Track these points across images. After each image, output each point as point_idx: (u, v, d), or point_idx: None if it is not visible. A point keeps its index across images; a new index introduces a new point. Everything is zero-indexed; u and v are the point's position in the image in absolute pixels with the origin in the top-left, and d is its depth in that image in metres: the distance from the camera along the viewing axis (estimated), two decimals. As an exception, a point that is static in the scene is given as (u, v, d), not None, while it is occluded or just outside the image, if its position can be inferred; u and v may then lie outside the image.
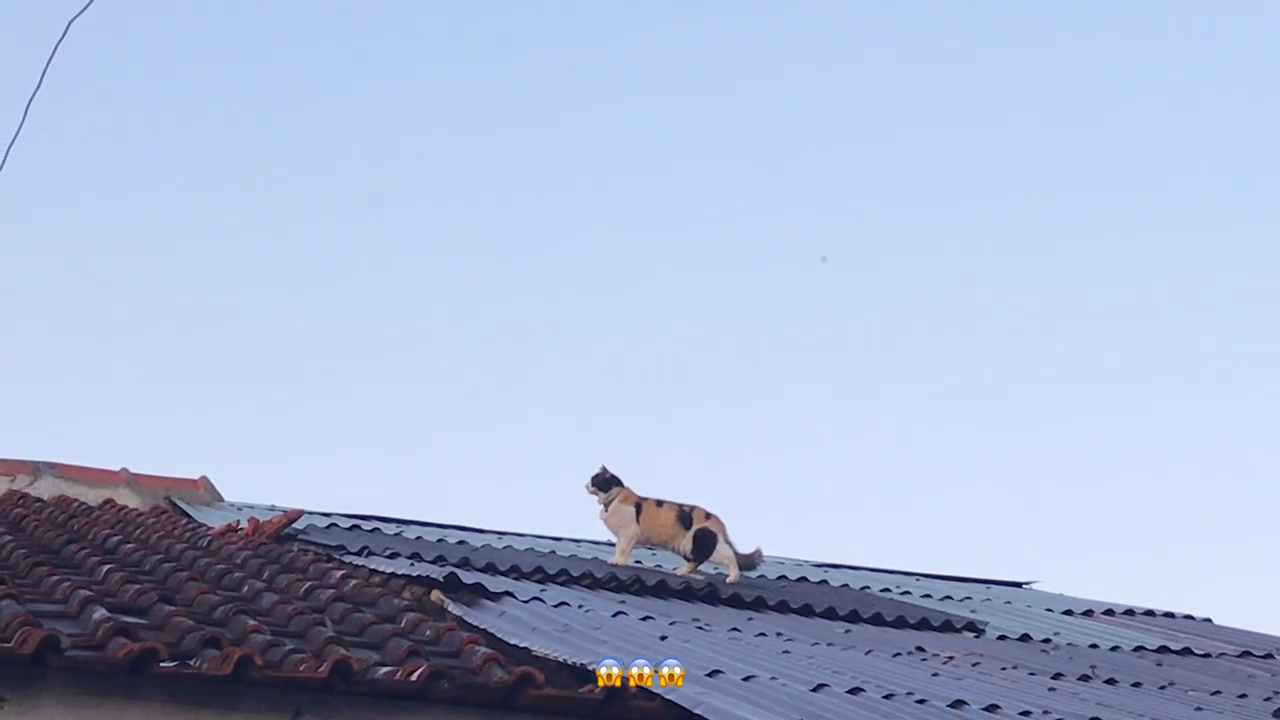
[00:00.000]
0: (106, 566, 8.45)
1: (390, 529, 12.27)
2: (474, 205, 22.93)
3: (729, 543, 11.48)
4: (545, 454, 20.72)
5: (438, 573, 9.32)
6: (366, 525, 12.31)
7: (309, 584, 8.58)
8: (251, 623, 7.24)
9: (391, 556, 10.30)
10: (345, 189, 22.85)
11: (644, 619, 9.13)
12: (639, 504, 11.55)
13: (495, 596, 9.10)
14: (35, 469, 12.82)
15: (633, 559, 11.60)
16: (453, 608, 8.62)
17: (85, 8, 10.49)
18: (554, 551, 12.08)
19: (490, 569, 10.27)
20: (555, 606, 9.14)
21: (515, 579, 10.10)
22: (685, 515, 11.54)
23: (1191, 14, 23.11)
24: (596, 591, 10.20)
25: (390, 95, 23.17)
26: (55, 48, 10.88)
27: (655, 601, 10.11)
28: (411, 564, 9.91)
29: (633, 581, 10.51)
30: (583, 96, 23.03)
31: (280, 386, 21.59)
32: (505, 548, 11.82)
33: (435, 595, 8.86)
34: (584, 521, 12.46)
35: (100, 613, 6.95)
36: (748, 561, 11.60)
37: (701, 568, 11.45)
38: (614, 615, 9.14)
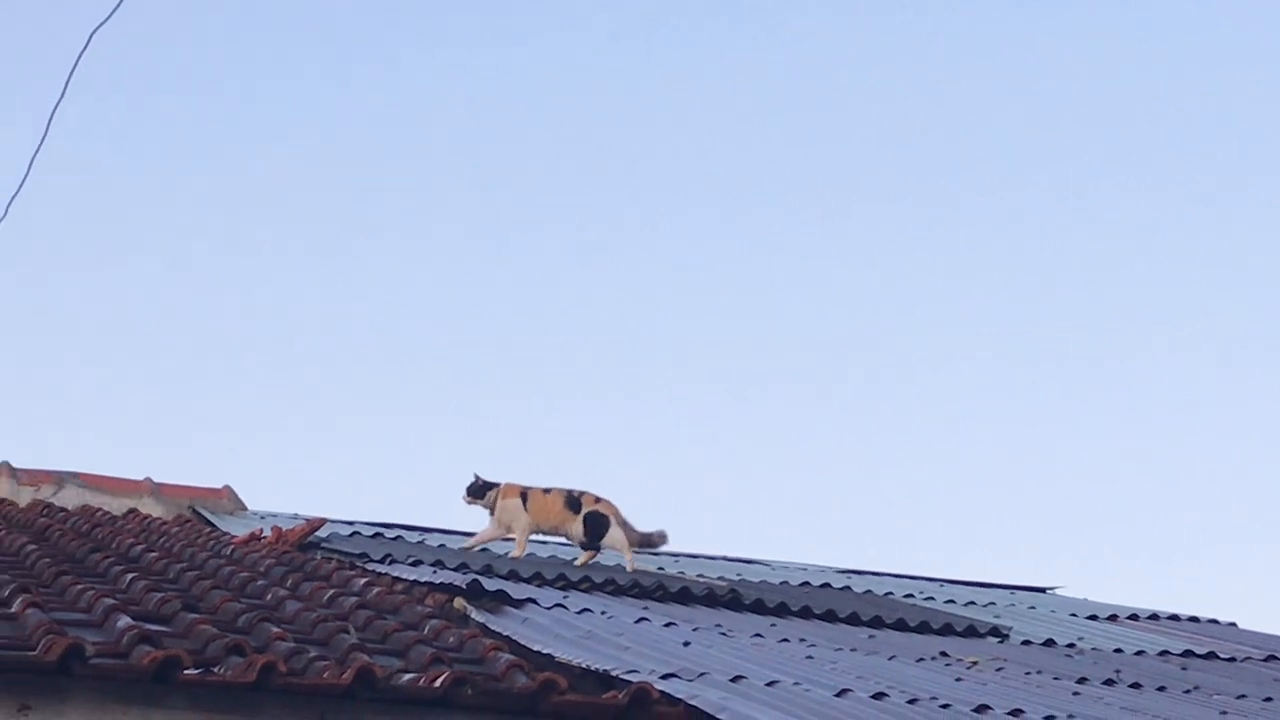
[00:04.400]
0: (130, 575, 8.47)
1: (413, 537, 12.28)
2: (520, 212, 22.87)
3: (622, 526, 11.41)
4: (569, 459, 20.73)
5: (461, 580, 9.32)
6: (389, 533, 12.32)
7: (332, 591, 8.58)
8: (275, 630, 7.25)
9: (415, 564, 10.30)
10: (363, 187, 22.81)
11: (667, 625, 9.13)
12: (524, 493, 11.53)
13: (518, 603, 9.10)
14: (59, 479, 12.85)
15: (529, 551, 11.62)
16: (476, 615, 8.61)
17: (109, 16, 10.53)
18: (576, 558, 12.07)
19: (513, 576, 10.26)
20: (578, 613, 9.13)
21: (538, 586, 10.09)
22: (574, 500, 11.51)
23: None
24: (619, 598, 10.19)
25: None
26: (79, 58, 10.92)
27: (678, 608, 10.09)
28: (434, 571, 9.91)
29: (655, 588, 10.50)
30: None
31: (302, 394, 21.62)
32: (528, 555, 11.83)
33: (458, 602, 8.85)
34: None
35: (124, 621, 6.96)
36: (648, 540, 11.57)
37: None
38: (637, 621, 9.14)
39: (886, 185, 22.89)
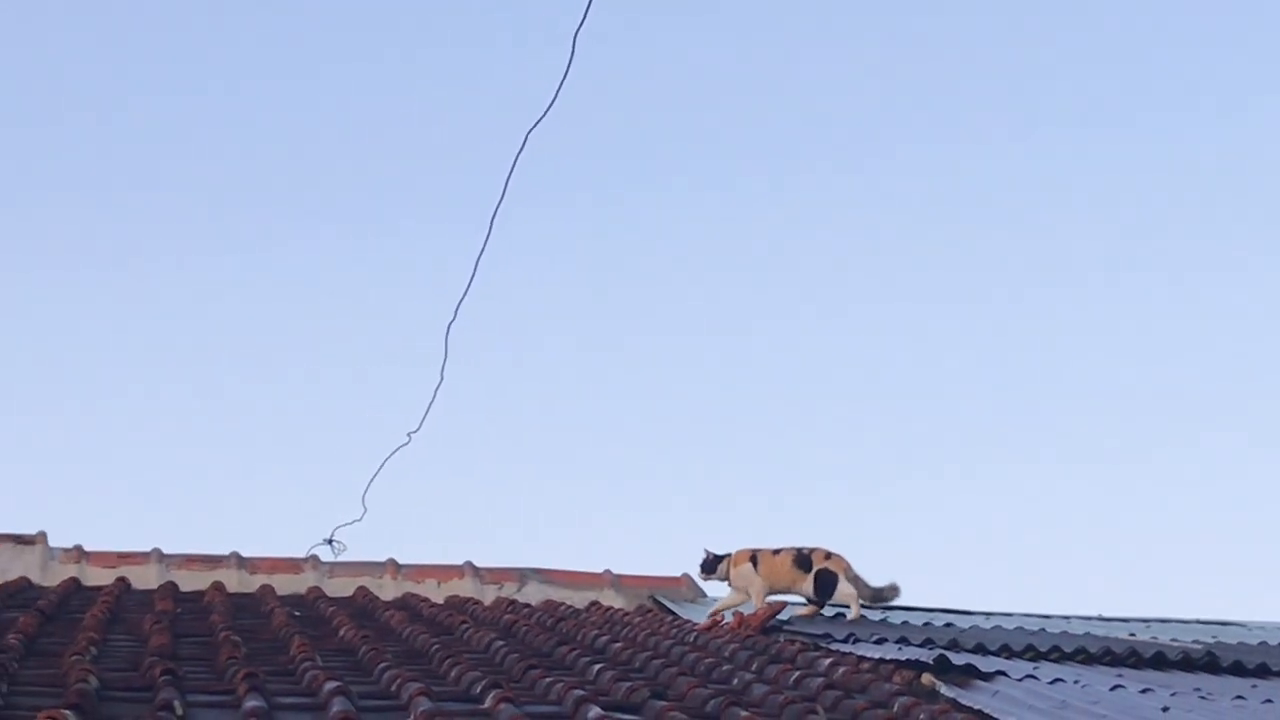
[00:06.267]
0: (597, 666, 8.53)
1: (875, 615, 12.16)
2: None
3: (852, 579, 11.57)
4: (1018, 531, 20.36)
5: (927, 655, 9.19)
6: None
7: (798, 673, 8.53)
8: (744, 714, 7.20)
9: (879, 642, 10.19)
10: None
11: (1143, 691, 8.86)
12: (753, 556, 11.70)
13: (988, 676, 8.92)
14: (521, 576, 13.11)
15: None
16: (945, 690, 8.47)
17: (541, 118, 10.74)
18: (1043, 629, 11.79)
19: (980, 649, 10.09)
20: (1050, 683, 8.92)
21: (1006, 658, 9.91)
22: (804, 558, 11.68)
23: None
24: (1091, 666, 9.95)
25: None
26: (515, 159, 11.16)
27: (1153, 673, 9.81)
28: (899, 648, 9.79)
29: (1128, 654, 10.22)
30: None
31: (747, 474, 21.59)
32: (993, 627, 11.62)
33: (926, 678, 8.72)
34: (1072, 597, 12.21)
35: (595, 711, 6.99)
36: (879, 595, 11.70)
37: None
38: (1111, 689, 8.89)
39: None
